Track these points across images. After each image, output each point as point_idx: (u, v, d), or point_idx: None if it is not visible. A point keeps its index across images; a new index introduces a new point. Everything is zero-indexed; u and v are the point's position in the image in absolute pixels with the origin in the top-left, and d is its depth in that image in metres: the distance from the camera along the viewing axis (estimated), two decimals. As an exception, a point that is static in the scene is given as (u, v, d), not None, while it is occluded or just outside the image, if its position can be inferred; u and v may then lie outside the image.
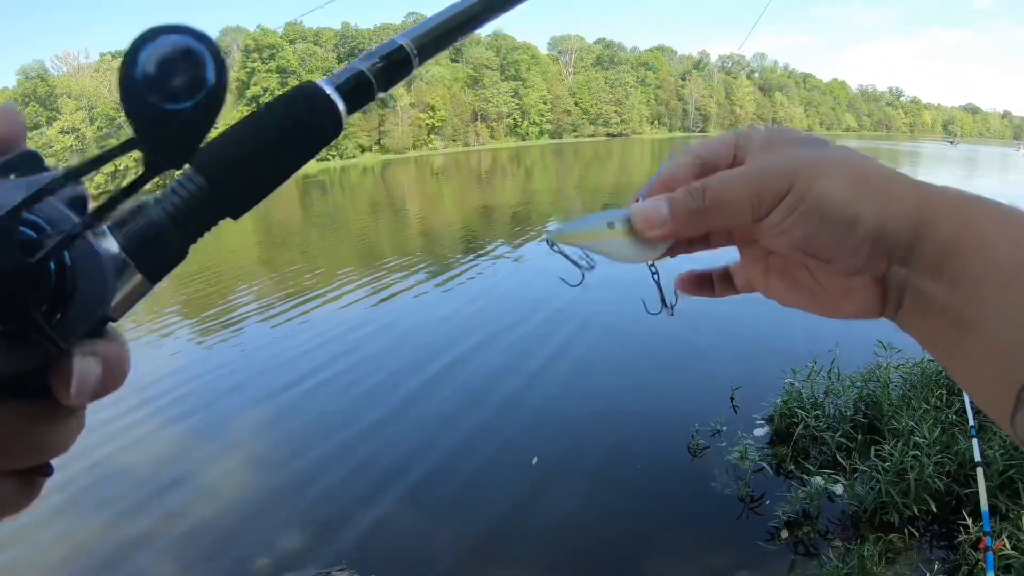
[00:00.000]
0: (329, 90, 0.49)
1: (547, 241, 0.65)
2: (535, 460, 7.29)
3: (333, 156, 77.64)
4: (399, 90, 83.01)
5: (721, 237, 0.66)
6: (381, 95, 0.56)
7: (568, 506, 6.37)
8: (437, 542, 6.08)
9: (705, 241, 0.67)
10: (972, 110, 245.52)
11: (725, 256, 0.72)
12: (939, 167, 63.11)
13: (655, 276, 0.72)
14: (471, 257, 18.14)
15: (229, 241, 22.91)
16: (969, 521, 5.20)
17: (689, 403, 8.54)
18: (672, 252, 0.67)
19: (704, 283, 0.73)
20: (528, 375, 9.57)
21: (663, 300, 0.75)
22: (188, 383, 10.01)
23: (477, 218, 28.16)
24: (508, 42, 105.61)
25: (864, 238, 0.54)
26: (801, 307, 0.64)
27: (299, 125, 0.47)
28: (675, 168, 0.65)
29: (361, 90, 0.53)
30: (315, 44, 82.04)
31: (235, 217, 0.46)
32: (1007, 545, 4.53)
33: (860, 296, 0.58)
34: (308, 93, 0.49)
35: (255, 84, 72.01)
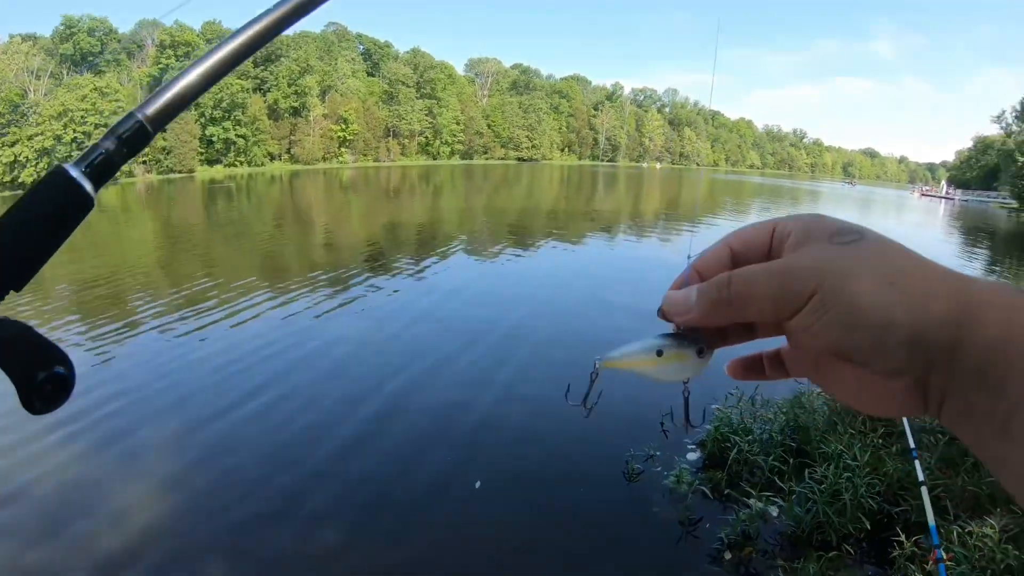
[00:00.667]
0: (76, 174, 0.57)
1: (595, 363, 0.71)
2: (478, 484, 7.28)
3: (241, 163, 75.86)
4: (312, 99, 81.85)
5: (767, 328, 0.67)
6: (125, 166, 0.63)
7: (508, 535, 6.38)
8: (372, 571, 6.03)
9: (751, 332, 0.69)
10: (871, 154, 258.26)
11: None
12: (840, 206, 66.02)
13: (686, 394, 0.74)
14: (375, 275, 18.03)
15: (127, 246, 22.27)
16: (903, 536, 5.55)
17: (621, 429, 8.61)
18: (724, 342, 0.70)
19: (755, 367, 0.72)
20: (455, 403, 9.50)
21: (687, 417, 0.76)
22: (84, 395, 9.33)
23: (383, 235, 28.02)
24: (426, 60, 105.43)
25: (899, 343, 0.52)
26: (847, 402, 0.62)
27: (54, 210, 0.56)
28: (709, 257, 0.66)
29: (105, 168, 0.60)
30: None
31: (17, 289, 0.55)
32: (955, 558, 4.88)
33: (901, 400, 0.56)
34: (59, 181, 0.57)
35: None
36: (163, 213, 35.72)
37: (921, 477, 4.74)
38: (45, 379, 0.53)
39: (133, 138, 0.61)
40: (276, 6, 0.76)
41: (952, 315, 0.50)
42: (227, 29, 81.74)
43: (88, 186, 0.57)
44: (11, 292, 0.54)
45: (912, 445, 5.25)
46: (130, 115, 0.62)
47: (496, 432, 8.59)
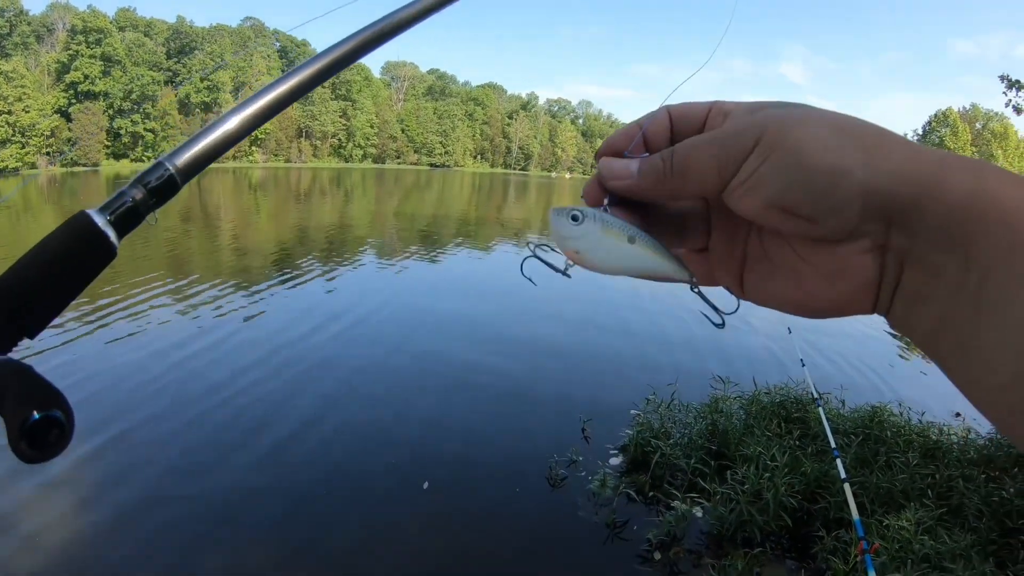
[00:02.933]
0: (100, 222, 0.57)
1: (530, 245, 0.69)
2: (426, 485, 7.25)
3: (149, 158, 73.40)
4: (226, 95, 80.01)
5: (722, 220, 0.61)
6: (150, 216, 0.62)
7: (433, 546, 6.31)
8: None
9: (705, 228, 0.62)
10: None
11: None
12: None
13: (696, 290, 0.63)
14: (282, 278, 17.76)
15: (26, 246, 21.34)
16: (824, 532, 5.82)
17: (543, 436, 8.69)
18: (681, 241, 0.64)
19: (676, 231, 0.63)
20: (368, 411, 9.37)
21: (715, 308, 0.65)
22: None
23: (292, 238, 27.59)
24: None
25: (852, 192, 0.46)
26: (781, 302, 0.57)
27: (73, 258, 0.56)
28: (651, 129, 0.61)
29: (130, 217, 0.60)
30: (145, 35, 77.20)
31: (31, 337, 0.54)
32: (879, 549, 5.11)
33: (853, 272, 0.50)
34: (81, 227, 0.57)
35: (76, 69, 66.42)
36: (67, 209, 34.30)
37: (843, 475, 4.92)
38: (38, 421, 0.48)
39: (162, 188, 0.62)
40: (325, 52, 0.77)
41: (913, 170, 0.45)
42: (140, 17, 79.71)
43: (112, 235, 0.57)
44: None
45: (833, 445, 5.45)
46: (159, 164, 0.62)
47: (413, 445, 8.48)
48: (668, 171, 0.55)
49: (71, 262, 0.55)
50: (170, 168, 0.62)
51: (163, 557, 5.86)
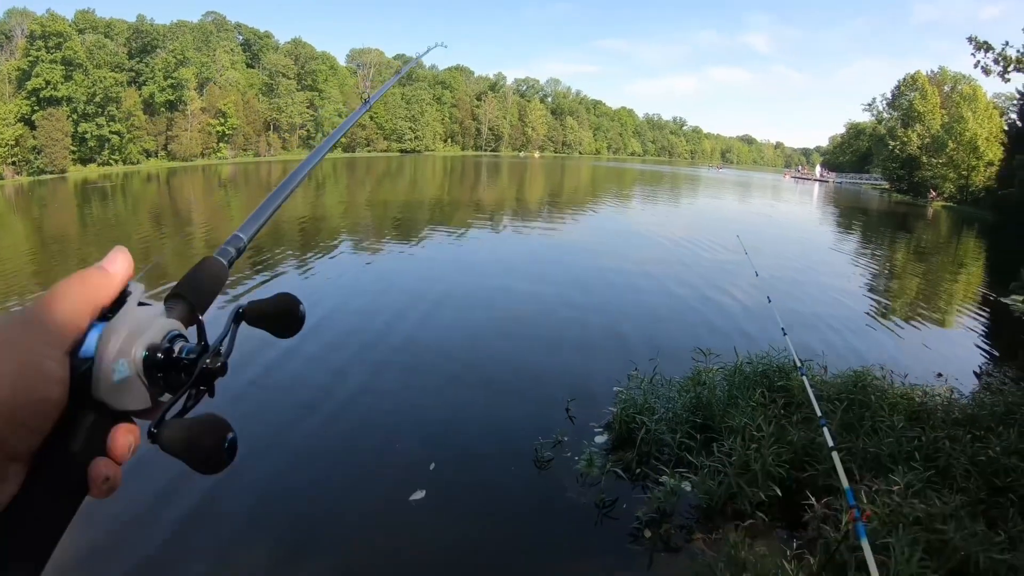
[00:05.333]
0: (225, 262, 0.93)
1: None
2: (432, 466, 7.26)
3: (116, 161, 72.41)
4: (190, 93, 78.85)
5: None
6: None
7: (424, 533, 6.20)
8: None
9: None
10: (748, 140, 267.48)
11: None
12: (720, 190, 68.23)
13: None
14: (256, 274, 17.58)
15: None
16: (814, 500, 5.77)
17: (527, 418, 8.67)
18: None
19: None
20: (349, 403, 9.26)
21: None
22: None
23: (263, 232, 26.95)
24: (307, 51, 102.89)
25: None
26: None
27: (214, 276, 0.89)
28: None
29: (234, 259, 0.98)
30: (106, 36, 75.63)
31: (202, 313, 0.81)
32: (870, 516, 5.09)
33: None
34: (218, 263, 0.91)
35: (37, 76, 64.84)
36: (35, 218, 33.85)
37: (831, 443, 4.88)
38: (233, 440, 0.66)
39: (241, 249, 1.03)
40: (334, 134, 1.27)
41: None
42: (100, 18, 78.25)
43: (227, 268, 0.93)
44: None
45: (819, 414, 5.41)
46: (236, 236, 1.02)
47: (400, 428, 8.43)
48: None
49: (214, 278, 0.88)
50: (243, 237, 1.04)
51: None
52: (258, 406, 8.80)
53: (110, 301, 0.70)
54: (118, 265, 0.71)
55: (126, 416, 0.67)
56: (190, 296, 0.80)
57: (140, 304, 0.73)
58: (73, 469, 0.62)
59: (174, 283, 0.80)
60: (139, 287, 0.75)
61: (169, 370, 0.70)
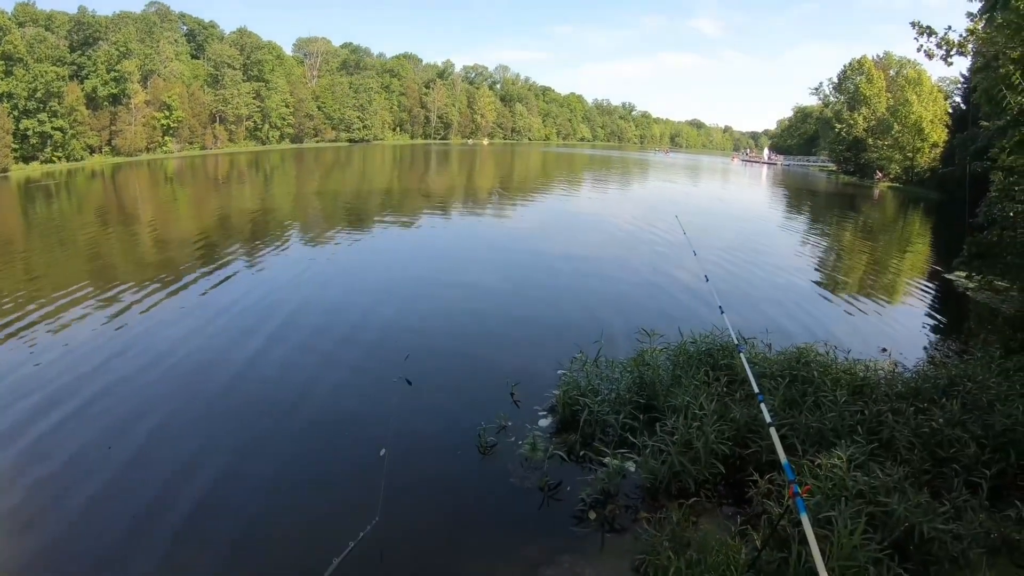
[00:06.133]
0: None
1: None
2: (383, 452, 7.10)
3: (59, 158, 70.58)
4: (134, 86, 77.16)
5: None
6: None
7: (363, 521, 5.82)
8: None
9: None
10: (697, 125, 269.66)
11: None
12: (669, 174, 68.76)
13: None
14: (207, 268, 17.01)
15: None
16: (757, 476, 5.72)
17: (471, 404, 8.55)
18: None
19: None
20: (298, 388, 9.21)
21: None
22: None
23: (213, 227, 26.39)
24: (253, 40, 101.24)
25: None
26: None
27: None
28: None
29: None
30: (47, 29, 73.52)
31: None
32: (811, 490, 5.04)
33: None
34: None
35: None
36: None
37: (768, 419, 4.81)
38: None
39: None
40: None
41: None
42: (40, 11, 76.14)
43: None
44: None
45: (756, 390, 5.34)
46: None
47: (354, 418, 8.31)
48: None
49: None
50: None
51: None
52: (210, 401, 8.70)
53: None
54: None
55: None
56: None
57: None
58: None
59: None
60: None
61: None
